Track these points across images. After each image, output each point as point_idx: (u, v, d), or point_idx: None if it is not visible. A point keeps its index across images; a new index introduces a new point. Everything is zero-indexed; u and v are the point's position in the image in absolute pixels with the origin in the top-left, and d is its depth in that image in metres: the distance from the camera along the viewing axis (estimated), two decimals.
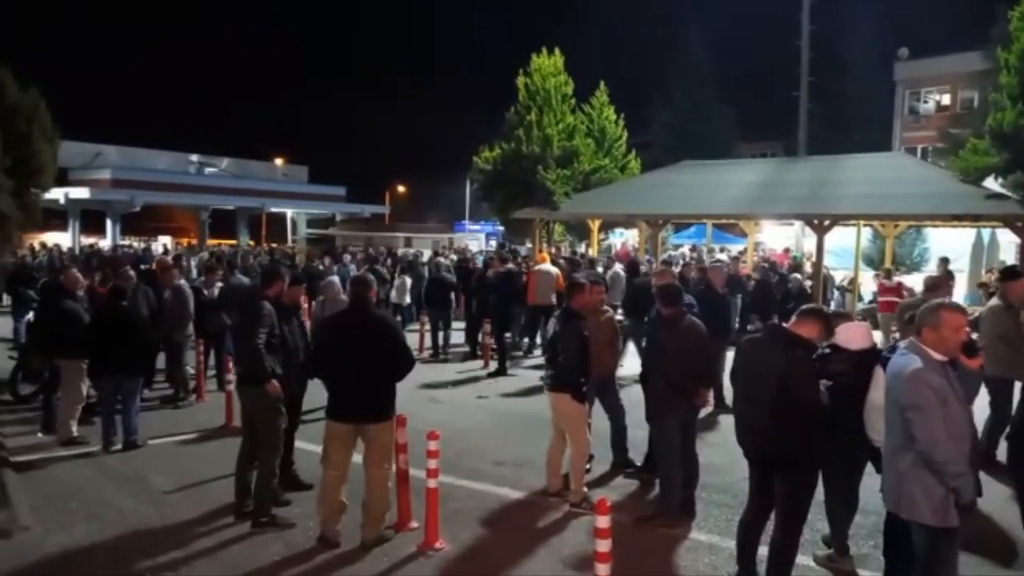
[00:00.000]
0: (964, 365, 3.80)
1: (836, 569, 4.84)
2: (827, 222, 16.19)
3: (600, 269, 15.55)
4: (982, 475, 5.83)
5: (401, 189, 60.29)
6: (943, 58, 35.13)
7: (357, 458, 5.28)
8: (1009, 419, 6.16)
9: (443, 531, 5.27)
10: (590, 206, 20.77)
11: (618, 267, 15.06)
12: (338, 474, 5.21)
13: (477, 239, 44.76)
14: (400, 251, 26.82)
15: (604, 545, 3.89)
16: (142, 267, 14.94)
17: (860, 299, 17.68)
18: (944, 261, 15.25)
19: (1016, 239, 15.58)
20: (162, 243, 39.44)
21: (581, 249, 25.61)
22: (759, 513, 4.54)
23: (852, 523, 4.93)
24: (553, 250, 20.82)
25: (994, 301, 6.96)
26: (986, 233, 18.72)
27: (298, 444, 6.28)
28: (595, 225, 21.88)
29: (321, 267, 17.32)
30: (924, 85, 39.16)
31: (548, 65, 22.87)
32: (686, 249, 25.63)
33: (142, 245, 29.97)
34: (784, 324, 4.67)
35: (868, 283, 17.98)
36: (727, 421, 4.66)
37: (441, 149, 63.19)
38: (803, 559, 4.60)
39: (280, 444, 5.67)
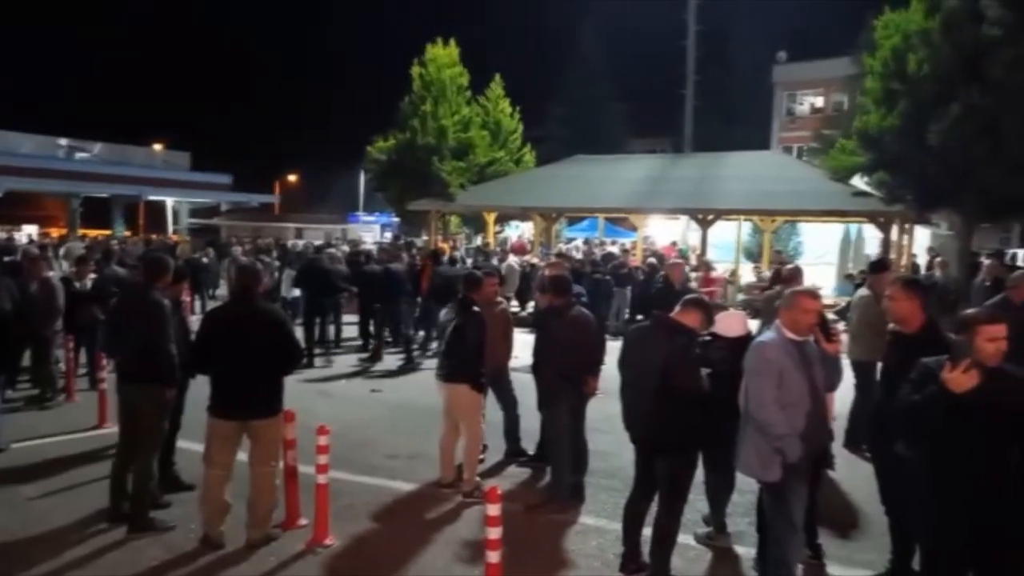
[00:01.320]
0: (824, 349, 4.11)
1: (714, 546, 5.09)
2: (711, 216, 16.95)
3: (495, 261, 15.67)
4: (846, 453, 6.26)
5: (292, 178, 58.46)
6: (817, 62, 37.32)
7: (241, 456, 5.10)
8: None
9: (333, 527, 5.18)
10: (486, 198, 20.86)
11: (512, 259, 15.21)
12: (222, 473, 5.01)
13: (372, 230, 44.08)
14: (290, 243, 26.04)
15: (495, 533, 3.94)
16: (5, 259, 13.83)
17: (740, 290, 18.59)
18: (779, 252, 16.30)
19: (880, 234, 16.81)
20: (27, 233, 36.62)
21: (478, 241, 25.70)
22: (644, 496, 4.71)
23: (729, 501, 5.19)
24: (450, 243, 20.77)
25: (863, 291, 7.47)
26: (853, 228, 20.08)
27: (179, 443, 6.01)
28: (491, 217, 22.00)
29: (205, 259, 16.60)
30: (800, 88, 41.53)
31: (443, 56, 22.78)
32: (579, 242, 26.17)
33: (3, 235, 27.70)
34: (669, 314, 4.86)
35: (748, 275, 18.93)
36: (615, 408, 4.78)
37: (335, 138, 61.64)
38: (684, 538, 4.80)
39: (160, 445, 5.42)
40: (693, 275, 14.11)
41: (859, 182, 16.65)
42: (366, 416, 8.52)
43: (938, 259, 13.83)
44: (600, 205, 19.77)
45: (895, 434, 4.13)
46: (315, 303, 11.82)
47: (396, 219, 33.46)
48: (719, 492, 5.15)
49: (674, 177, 19.88)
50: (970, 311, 3.80)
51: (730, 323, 5.04)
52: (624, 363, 4.76)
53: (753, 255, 22.16)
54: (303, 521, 5.31)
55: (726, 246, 20.93)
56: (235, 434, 5.02)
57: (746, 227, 21.64)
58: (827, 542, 4.97)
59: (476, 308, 6.13)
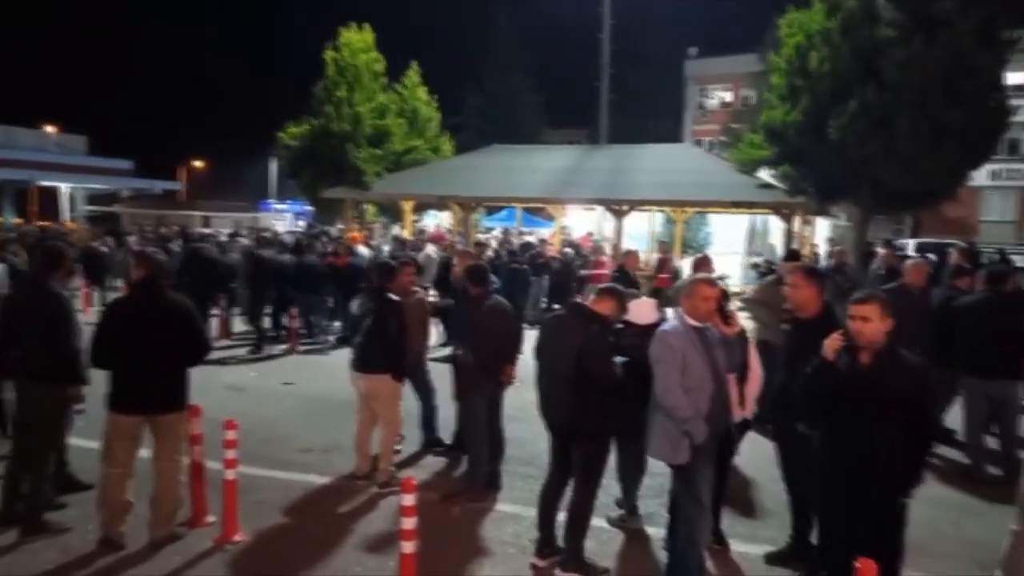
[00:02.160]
0: (723, 332, 4.27)
1: (627, 528, 5.22)
2: (625, 207, 17.29)
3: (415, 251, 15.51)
4: (750, 432, 6.48)
5: (198, 164, 56.21)
6: (726, 58, 38.50)
7: (144, 453, 4.89)
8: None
9: (243, 524, 5.03)
10: (403, 187, 20.62)
11: (430, 249, 15.09)
12: (123, 471, 4.78)
13: (284, 219, 42.89)
14: (197, 231, 25.04)
15: (410, 523, 3.91)
16: None
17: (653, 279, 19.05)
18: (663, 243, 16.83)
19: (784, 224, 17.54)
20: None
21: (396, 231, 25.38)
22: (559, 481, 4.77)
23: (640, 484, 5.33)
24: (365, 232, 20.43)
25: (771, 277, 7.78)
26: (759, 219, 20.88)
27: (74, 441, 5.70)
28: (408, 206, 21.76)
29: (104, 248, 15.77)
30: (710, 82, 42.76)
31: (358, 41, 22.34)
32: (497, 232, 26.22)
33: None
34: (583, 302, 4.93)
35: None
36: (532, 396, 4.82)
37: (245, 123, 59.60)
38: (597, 521, 4.90)
39: (59, 444, 5.14)
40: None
41: (765, 175, 17.31)
42: (278, 410, 8.31)
43: (836, 248, 14.53)
44: (518, 195, 19.86)
45: (797, 414, 4.35)
46: (199, 294, 11.29)
47: (310, 207, 32.65)
48: (631, 475, 5.28)
49: (590, 168, 20.16)
50: (861, 293, 4.01)
51: (641, 310, 5.15)
52: (540, 351, 4.81)
53: (667, 246, 22.74)
54: (210, 518, 5.14)
55: (640, 236, 21.40)
56: (137, 430, 4.81)
57: (659, 218, 22.19)
58: (731, 519, 5.17)
59: (394, 297, 6.06)
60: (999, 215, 35.48)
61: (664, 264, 13.71)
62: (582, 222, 25.95)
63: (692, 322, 4.18)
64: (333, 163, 20.48)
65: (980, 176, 23.69)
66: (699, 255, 7.93)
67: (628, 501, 5.29)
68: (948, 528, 5.41)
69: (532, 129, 37.34)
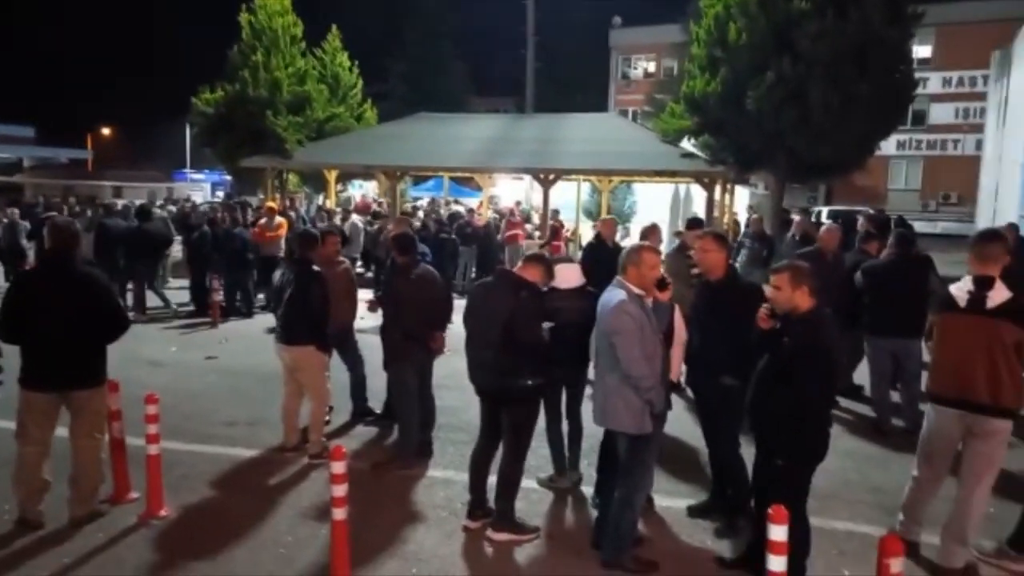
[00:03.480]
0: (657, 298, 4.38)
1: (555, 487, 5.36)
2: (552, 176, 17.37)
3: (338, 220, 15.26)
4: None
5: (107, 132, 53.44)
6: (650, 28, 38.92)
7: (61, 431, 4.72)
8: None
9: (168, 499, 4.94)
10: (326, 156, 20.13)
11: (356, 218, 14.88)
12: (38, 449, 4.62)
13: (202, 189, 41.36)
14: (107, 202, 23.87)
15: (340, 490, 3.91)
16: None
17: (580, 247, 19.30)
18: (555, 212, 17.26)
19: (705, 193, 17.97)
20: None
21: (319, 201, 24.84)
22: (489, 445, 4.85)
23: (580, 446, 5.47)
24: (287, 202, 19.92)
25: (674, 247, 8.01)
26: (682, 188, 21.33)
27: None
28: (332, 176, 21.29)
29: (4, 220, 14.91)
30: (634, 52, 43.21)
31: (274, 2, 21.53)
32: (425, 201, 25.98)
33: None
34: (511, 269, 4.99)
35: (588, 233, 19.65)
36: (462, 365, 4.87)
37: (156, 88, 56.74)
38: (527, 483, 5.02)
39: None
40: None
41: (687, 144, 17.65)
42: (201, 384, 8.12)
43: (754, 216, 15.01)
44: (445, 164, 19.66)
45: (719, 368, 4.55)
46: (110, 267, 10.88)
47: (228, 177, 31.56)
48: (559, 439, 5.40)
49: (517, 137, 20.11)
50: (778, 264, 4.20)
51: (566, 275, 5.25)
52: (469, 317, 4.84)
53: (592, 214, 23.02)
54: (134, 495, 5.02)
55: (567, 205, 21.57)
56: (53, 407, 4.63)
57: (585, 187, 22.40)
58: (655, 476, 5.35)
59: (316, 267, 5.97)
60: (905, 183, 37.33)
61: (557, 232, 14.18)
62: (510, 191, 25.98)
63: (636, 290, 4.17)
64: (251, 131, 19.78)
65: (888, 146, 24.81)
66: (647, 224, 8.07)
67: (565, 463, 5.42)
68: (855, 476, 5.76)
69: (459, 97, 36.92)
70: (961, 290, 4.22)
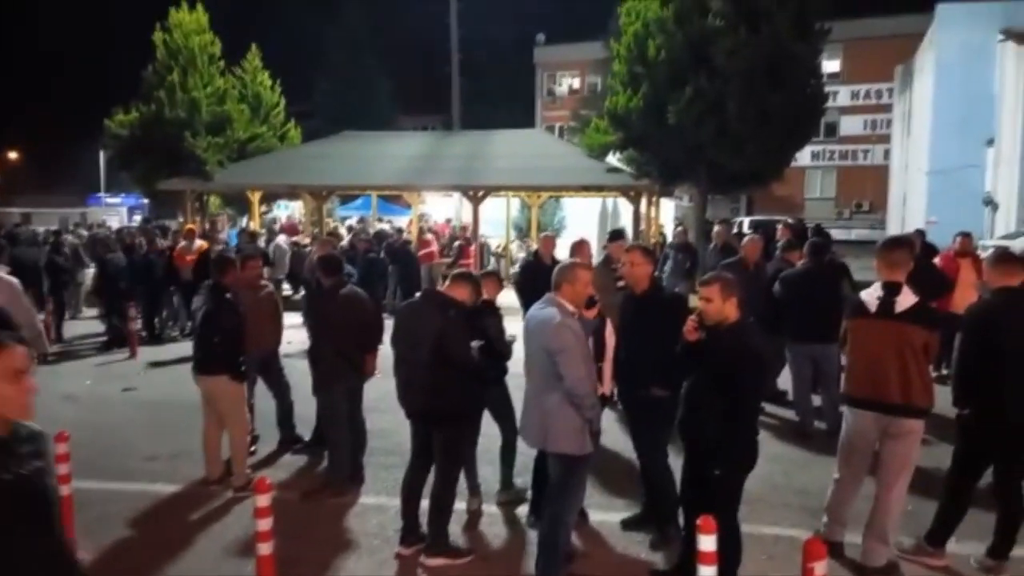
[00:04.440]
0: (584, 315, 4.39)
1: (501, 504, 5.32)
2: (481, 193, 17.42)
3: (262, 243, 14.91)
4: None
5: (13, 155, 50.96)
6: (573, 45, 39.58)
7: None
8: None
9: (83, 543, 4.66)
10: (249, 177, 19.68)
11: (281, 239, 14.57)
12: None
13: (118, 213, 39.83)
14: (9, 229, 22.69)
15: (265, 524, 3.78)
16: None
17: (513, 263, 19.36)
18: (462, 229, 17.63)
19: (632, 206, 18.30)
20: None
21: (243, 223, 24.22)
22: (421, 468, 4.77)
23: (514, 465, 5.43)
24: (207, 225, 19.34)
25: (599, 260, 8.10)
26: (610, 202, 21.68)
27: None
28: (256, 197, 20.80)
29: None
30: (559, 69, 43.85)
31: (190, 21, 20.99)
32: (353, 221, 25.65)
33: None
34: (439, 288, 4.94)
35: (517, 250, 19.76)
36: (392, 386, 4.78)
37: (67, 110, 54.31)
38: (461, 504, 4.96)
39: None
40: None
41: (613, 159, 17.97)
42: (118, 418, 7.76)
43: (679, 228, 15.35)
44: (372, 182, 19.49)
45: (647, 380, 4.58)
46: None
47: (146, 201, 30.52)
48: (503, 455, 5.37)
49: (445, 154, 20.10)
50: (707, 276, 4.26)
51: (488, 288, 5.24)
52: (397, 338, 4.77)
53: (523, 230, 23.14)
54: None
55: (497, 222, 21.64)
56: None
57: (515, 203, 22.52)
58: (588, 490, 5.36)
59: (228, 294, 5.79)
60: (820, 192, 38.90)
61: (464, 251, 14.31)
62: (440, 209, 25.90)
63: (570, 307, 4.13)
64: (169, 153, 19.18)
65: (803, 157, 25.79)
66: (576, 240, 8.10)
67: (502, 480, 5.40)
68: (782, 480, 5.90)
69: (384, 115, 36.73)
70: (871, 296, 4.38)
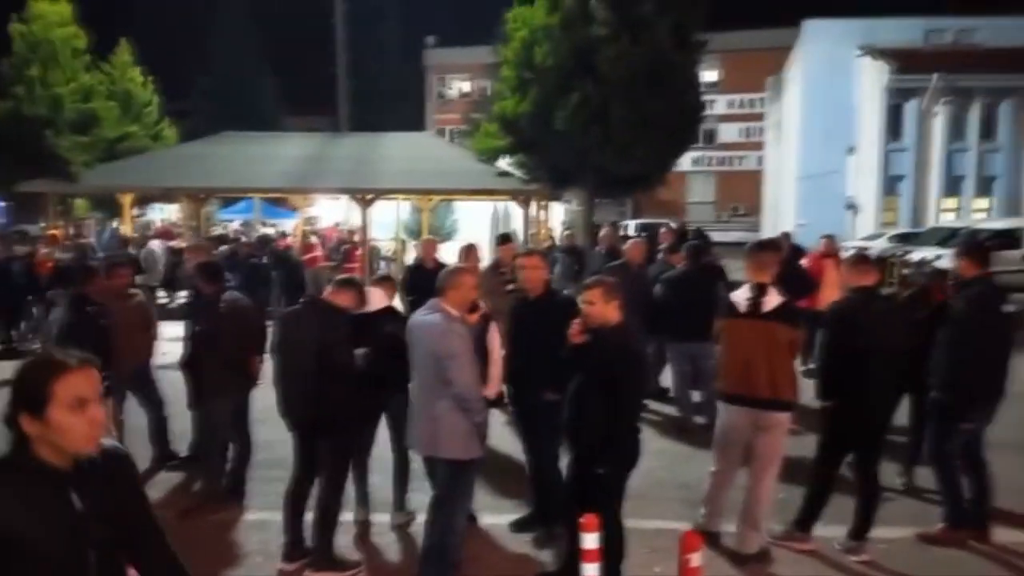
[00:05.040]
0: (467, 320, 4.39)
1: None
2: (370, 196, 17.16)
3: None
4: None
5: None
6: (464, 49, 39.68)
7: None
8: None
9: None
10: (119, 178, 18.56)
11: (155, 245, 13.83)
12: None
13: None
14: None
15: None
16: None
17: (403, 267, 19.16)
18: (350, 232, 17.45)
19: (523, 210, 18.52)
20: None
21: (115, 225, 22.83)
22: (305, 480, 4.64)
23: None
24: (71, 230, 18.11)
25: (489, 264, 8.15)
26: (501, 206, 21.85)
27: None
28: (127, 200, 19.65)
29: None
30: (449, 72, 43.90)
31: (52, 13, 19.64)
32: (237, 224, 24.70)
33: None
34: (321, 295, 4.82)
35: (411, 252, 19.57)
36: (273, 396, 4.62)
37: None
38: (346, 516, 4.85)
39: None
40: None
41: (503, 163, 18.13)
42: None
43: (567, 232, 15.67)
44: (256, 185, 18.81)
45: (542, 384, 4.62)
46: None
47: (3, 204, 28.27)
48: (397, 474, 5.24)
49: (333, 157, 19.67)
50: (589, 280, 4.34)
51: (371, 298, 5.15)
52: (279, 347, 4.62)
53: (414, 233, 22.96)
54: None
55: (387, 225, 21.37)
56: None
57: (406, 206, 22.30)
58: (477, 494, 5.37)
59: (90, 306, 5.43)
60: (701, 196, 40.74)
61: (349, 255, 14.20)
62: (328, 212, 25.33)
63: (455, 312, 4.12)
64: (29, 152, 17.84)
65: (685, 162, 26.91)
66: (465, 244, 8.07)
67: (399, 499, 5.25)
68: (665, 475, 6.11)
69: (269, 116, 35.54)
70: (741, 297, 4.61)
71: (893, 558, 4.69)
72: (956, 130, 25.56)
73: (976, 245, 5.25)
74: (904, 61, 25.19)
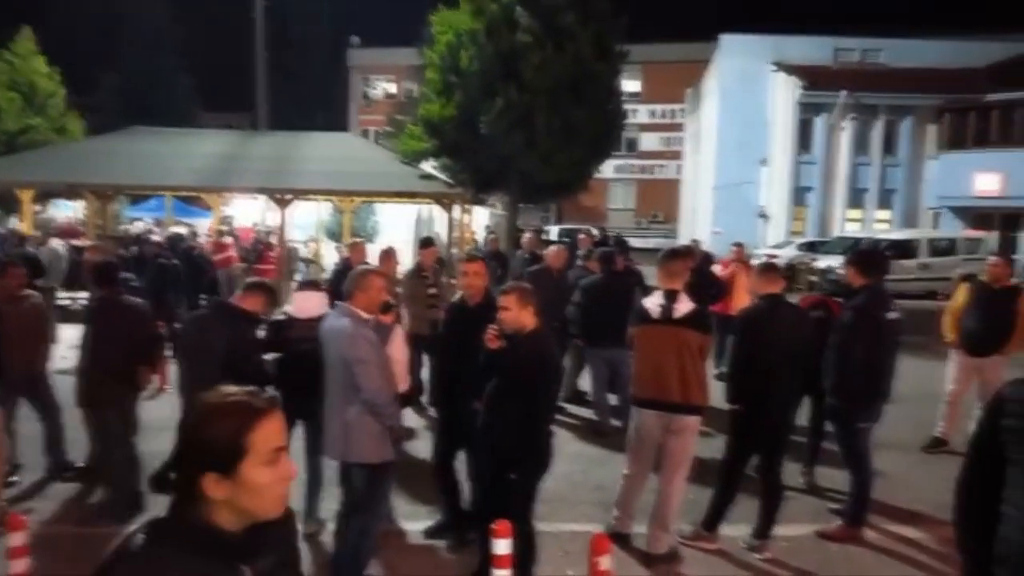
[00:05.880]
0: (382, 320, 4.35)
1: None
2: (289, 196, 16.76)
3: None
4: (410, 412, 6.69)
5: None
6: (389, 50, 39.31)
7: None
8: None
9: None
10: (20, 173, 17.53)
11: (56, 243, 13.14)
12: None
13: None
14: None
15: (20, 566, 3.35)
16: None
17: (324, 270, 18.80)
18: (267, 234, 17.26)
19: (446, 213, 18.45)
20: None
21: (12, 223, 21.56)
22: None
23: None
24: None
25: (410, 268, 8.08)
26: (424, 209, 21.71)
27: None
28: (27, 196, 18.57)
29: None
30: (374, 73, 43.41)
31: None
32: (144, 223, 23.70)
33: None
34: (230, 300, 4.67)
35: (331, 255, 19.21)
36: (172, 404, 4.45)
37: None
38: None
39: None
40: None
41: (428, 166, 18.03)
42: None
43: (491, 236, 15.71)
44: (167, 183, 18.08)
45: (477, 391, 4.57)
46: None
47: None
48: (310, 484, 5.10)
49: (251, 155, 19.10)
50: (505, 286, 4.35)
51: (305, 304, 5.01)
52: (183, 353, 4.46)
53: (335, 235, 22.55)
54: None
55: (308, 226, 20.94)
56: None
57: (327, 207, 21.89)
58: (394, 500, 5.31)
59: None
60: (622, 203, 41.57)
61: (262, 255, 13.97)
62: (246, 212, 24.61)
63: (364, 315, 4.07)
64: None
65: (607, 170, 27.41)
66: (384, 248, 7.94)
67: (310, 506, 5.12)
68: (580, 478, 6.18)
69: (183, 112, 34.27)
70: (653, 303, 4.71)
71: (794, 555, 4.88)
72: (860, 145, 26.88)
73: (863, 255, 5.52)
74: (814, 78, 26.35)
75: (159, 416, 5.69)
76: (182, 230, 18.45)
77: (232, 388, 1.50)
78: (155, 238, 14.60)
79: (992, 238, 22.75)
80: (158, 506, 4.23)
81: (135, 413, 5.38)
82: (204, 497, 1.44)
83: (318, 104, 36.59)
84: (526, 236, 12.26)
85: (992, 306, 6.66)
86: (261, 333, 4.61)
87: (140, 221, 23.95)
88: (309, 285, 5.27)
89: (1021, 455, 2.19)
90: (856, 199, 27.13)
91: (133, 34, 35.41)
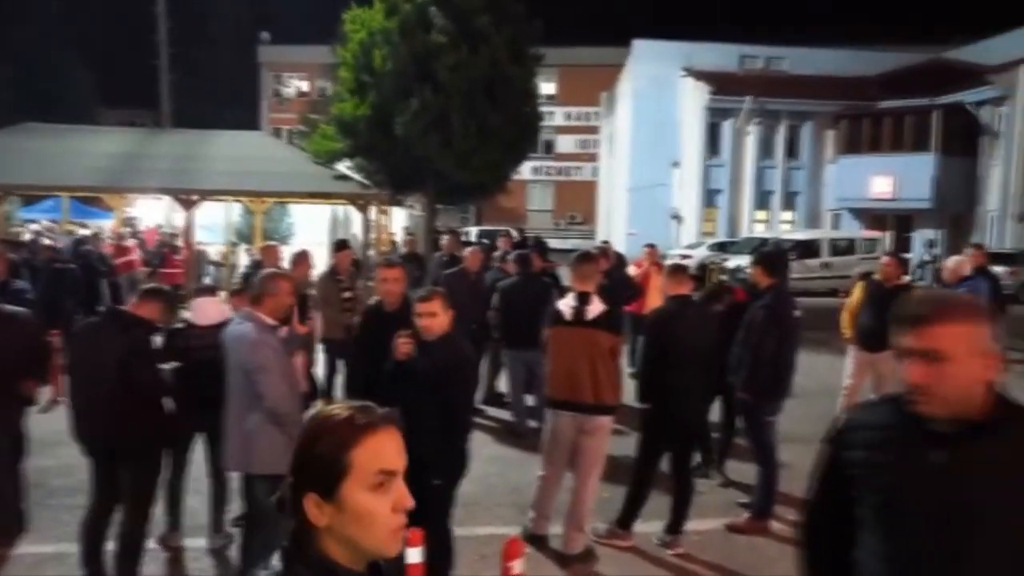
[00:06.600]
0: (296, 328, 4.22)
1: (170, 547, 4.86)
2: (195, 197, 16.15)
3: None
4: None
5: None
6: (302, 47, 38.43)
7: None
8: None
9: None
10: None
11: None
12: None
13: None
14: None
15: None
16: None
17: (234, 274, 18.18)
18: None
19: (362, 214, 18.15)
20: None
21: None
22: (105, 508, 4.23)
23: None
24: None
25: (325, 271, 7.91)
26: (340, 210, 21.30)
27: None
28: None
29: None
30: (286, 70, 42.37)
31: None
32: (41, 225, 22.36)
33: None
34: (124, 307, 4.44)
35: (243, 257, 18.61)
36: (62, 419, 4.19)
37: None
38: (153, 543, 4.51)
39: None
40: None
41: (343, 166, 17.70)
42: None
43: (408, 238, 15.54)
44: (63, 183, 17.12)
45: (384, 399, 4.45)
46: None
47: None
48: (214, 498, 4.89)
49: (154, 154, 18.32)
50: (423, 291, 4.26)
51: (205, 310, 4.82)
52: (74, 364, 4.20)
53: (246, 237, 21.86)
54: None
55: (215, 228, 20.22)
56: None
57: (237, 208, 21.20)
58: None
59: None
60: (540, 204, 41.97)
61: (167, 259, 13.54)
62: (150, 213, 23.56)
63: (269, 321, 3.93)
64: None
65: (525, 171, 27.62)
66: (297, 251, 7.69)
67: (179, 520, 4.89)
68: (497, 480, 6.17)
69: (81, 108, 32.55)
70: (566, 305, 4.75)
71: (705, 549, 5.01)
72: (765, 149, 28.01)
73: (768, 256, 5.73)
74: (721, 84, 27.28)
75: (56, 429, 5.38)
76: (87, 232, 17.50)
77: (344, 403, 1.37)
78: (46, 241, 13.78)
79: (888, 238, 24.11)
80: (59, 523, 3.98)
81: (21, 426, 5.02)
82: (312, 524, 1.31)
83: (227, 102, 35.41)
84: (445, 238, 12.19)
85: (884, 303, 7.00)
86: (159, 341, 4.40)
87: (35, 224, 22.60)
88: (206, 290, 5.05)
89: (873, 492, 1.84)
90: (762, 201, 28.24)
91: (26, 27, 33.39)
